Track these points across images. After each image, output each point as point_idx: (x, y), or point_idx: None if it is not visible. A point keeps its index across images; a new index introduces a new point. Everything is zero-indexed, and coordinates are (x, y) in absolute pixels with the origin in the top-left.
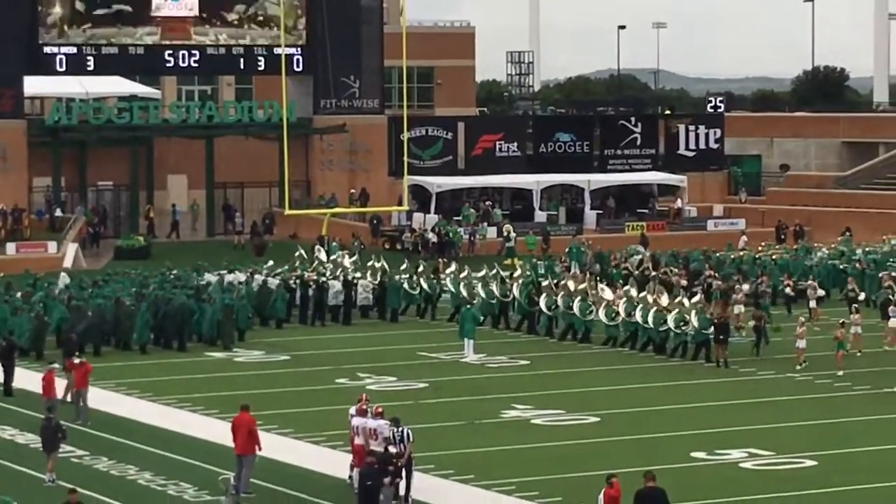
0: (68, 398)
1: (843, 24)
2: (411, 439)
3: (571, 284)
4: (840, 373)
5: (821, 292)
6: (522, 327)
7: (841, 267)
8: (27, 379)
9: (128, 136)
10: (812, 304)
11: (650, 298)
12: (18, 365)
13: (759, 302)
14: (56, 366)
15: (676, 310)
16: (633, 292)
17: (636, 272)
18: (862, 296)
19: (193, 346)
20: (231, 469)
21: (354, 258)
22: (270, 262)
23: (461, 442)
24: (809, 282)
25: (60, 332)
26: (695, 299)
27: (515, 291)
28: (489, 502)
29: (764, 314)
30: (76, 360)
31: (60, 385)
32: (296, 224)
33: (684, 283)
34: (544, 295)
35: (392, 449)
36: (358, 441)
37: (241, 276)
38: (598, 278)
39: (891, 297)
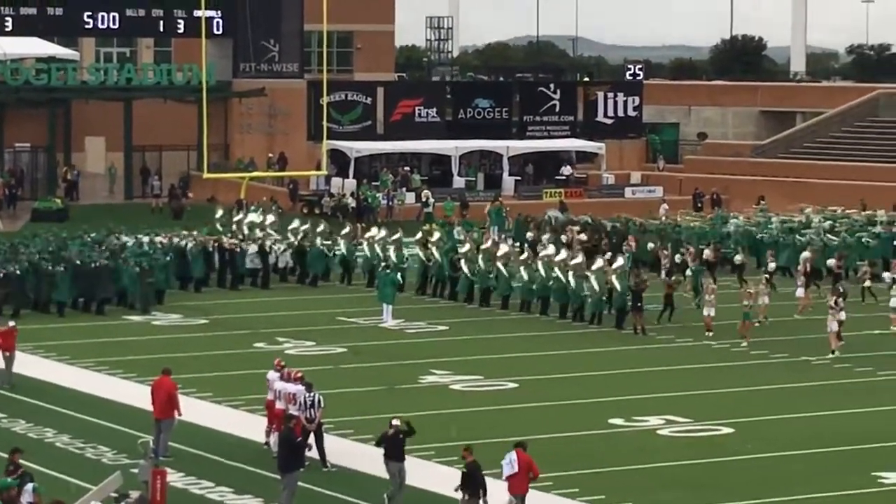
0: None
1: None
2: (322, 405)
3: (493, 249)
4: (744, 343)
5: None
6: (441, 292)
7: (758, 236)
8: None
9: (46, 98)
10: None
11: (568, 260)
12: None
13: (671, 270)
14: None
15: (595, 275)
16: (552, 252)
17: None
18: (772, 265)
19: (112, 310)
20: (149, 432)
21: (272, 220)
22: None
23: (380, 407)
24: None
25: None
26: (617, 264)
27: (436, 255)
28: (408, 467)
29: (676, 283)
30: (11, 324)
31: None
32: (214, 187)
33: (583, 237)
34: (464, 261)
35: (293, 411)
36: (279, 405)
37: (161, 239)
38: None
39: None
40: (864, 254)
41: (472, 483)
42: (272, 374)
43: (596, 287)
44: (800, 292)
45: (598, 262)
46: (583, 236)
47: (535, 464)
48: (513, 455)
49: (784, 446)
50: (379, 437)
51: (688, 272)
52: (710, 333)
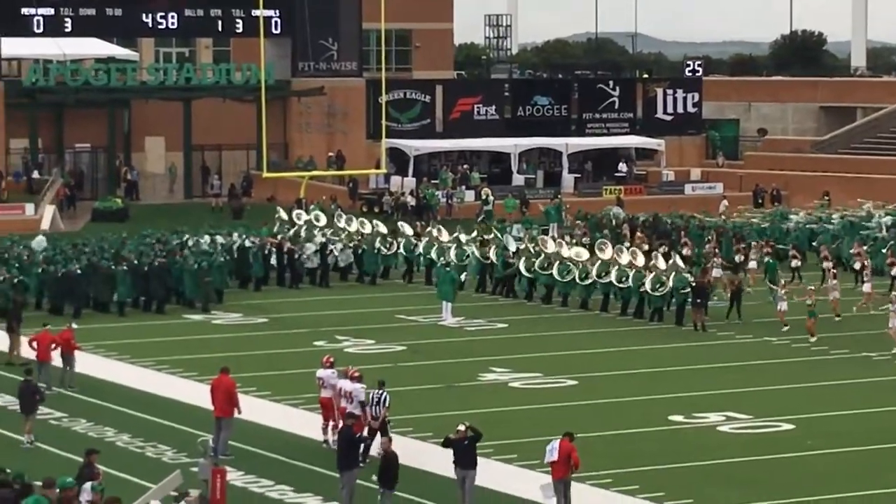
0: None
1: None
2: (387, 404)
3: (551, 246)
4: (812, 339)
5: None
6: (501, 290)
7: (817, 240)
8: (3, 341)
9: (105, 98)
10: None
11: (625, 259)
12: None
13: (737, 266)
14: (49, 327)
15: (653, 272)
16: (609, 252)
17: (611, 230)
18: (827, 264)
19: (172, 309)
20: (209, 431)
21: (332, 219)
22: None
23: (439, 405)
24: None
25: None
26: (672, 261)
27: (492, 254)
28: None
29: (740, 278)
30: (73, 326)
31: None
32: (273, 187)
33: (645, 247)
34: (523, 258)
35: (354, 410)
36: (344, 403)
37: (221, 239)
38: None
39: (865, 263)
40: None
41: (388, 473)
42: (322, 372)
43: (650, 284)
44: (866, 287)
45: (655, 260)
46: (639, 234)
47: (577, 454)
48: (555, 443)
49: (845, 442)
50: (444, 439)
51: (752, 265)
52: (787, 328)
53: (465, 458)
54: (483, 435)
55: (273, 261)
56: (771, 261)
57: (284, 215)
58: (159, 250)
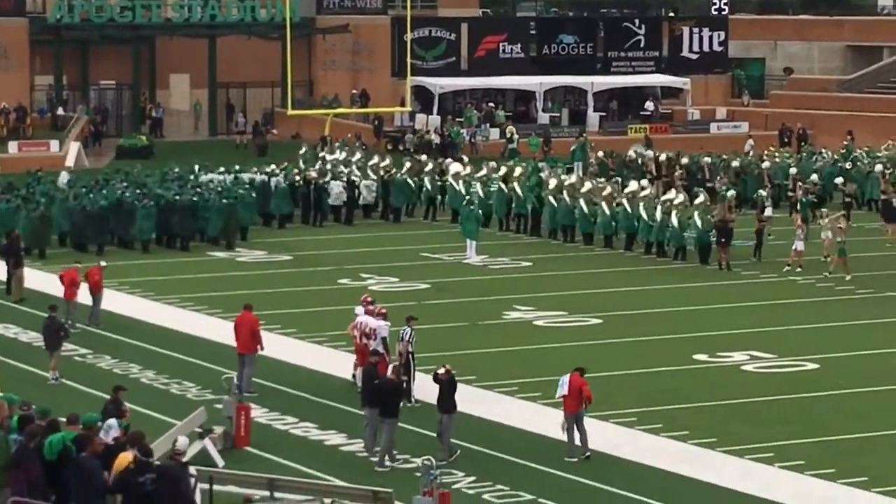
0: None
1: None
2: (405, 339)
3: (575, 183)
4: (847, 277)
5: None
6: (524, 228)
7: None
8: (29, 277)
9: (130, 35)
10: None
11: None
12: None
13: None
14: (78, 264)
15: (678, 210)
16: (635, 187)
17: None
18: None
19: (196, 246)
20: (234, 368)
21: (357, 157)
22: (273, 166)
23: (463, 343)
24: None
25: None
26: (699, 200)
27: (518, 190)
28: (491, 402)
29: (767, 218)
30: (103, 263)
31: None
32: (298, 124)
33: (683, 183)
34: (551, 196)
35: (377, 347)
36: (364, 339)
37: (246, 176)
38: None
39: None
40: None
41: (377, 397)
42: (359, 310)
43: (676, 222)
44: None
45: (680, 198)
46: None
47: (588, 388)
48: (566, 377)
49: (869, 381)
50: (434, 374)
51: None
52: (800, 269)
53: (442, 402)
54: (456, 383)
55: (300, 198)
56: (805, 199)
57: (306, 150)
58: (185, 187)
